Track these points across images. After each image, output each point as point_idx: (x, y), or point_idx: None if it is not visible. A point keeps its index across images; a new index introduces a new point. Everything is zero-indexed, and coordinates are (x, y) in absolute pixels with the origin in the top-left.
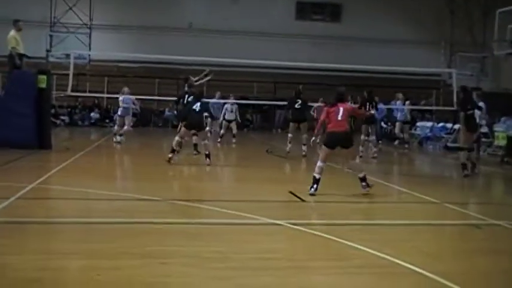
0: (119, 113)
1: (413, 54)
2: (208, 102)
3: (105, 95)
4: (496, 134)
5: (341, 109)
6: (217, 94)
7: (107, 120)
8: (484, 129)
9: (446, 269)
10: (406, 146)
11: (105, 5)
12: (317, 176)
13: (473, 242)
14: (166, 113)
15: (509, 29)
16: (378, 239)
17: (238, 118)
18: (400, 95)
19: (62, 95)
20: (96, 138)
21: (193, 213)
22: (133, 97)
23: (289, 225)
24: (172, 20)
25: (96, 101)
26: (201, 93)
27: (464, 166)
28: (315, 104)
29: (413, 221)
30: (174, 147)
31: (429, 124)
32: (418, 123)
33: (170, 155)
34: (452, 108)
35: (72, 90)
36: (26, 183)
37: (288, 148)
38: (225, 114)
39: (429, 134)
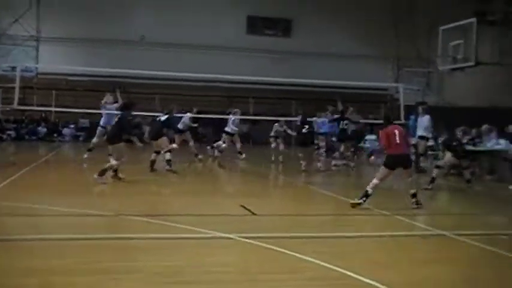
0: (101, 123)
1: (363, 68)
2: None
3: (53, 109)
4: (441, 146)
5: (396, 132)
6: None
7: (55, 135)
8: (431, 142)
9: (395, 279)
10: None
11: (53, 17)
12: (370, 191)
13: (420, 252)
14: None
15: (451, 46)
16: (329, 252)
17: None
18: (351, 109)
19: (7, 108)
20: (44, 153)
21: (145, 228)
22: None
23: (240, 238)
24: (124, 33)
25: (44, 115)
26: (125, 105)
27: (433, 180)
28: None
29: (364, 233)
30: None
31: None
32: (367, 137)
33: (115, 175)
34: (399, 122)
35: (19, 104)
36: None
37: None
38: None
39: (378, 147)
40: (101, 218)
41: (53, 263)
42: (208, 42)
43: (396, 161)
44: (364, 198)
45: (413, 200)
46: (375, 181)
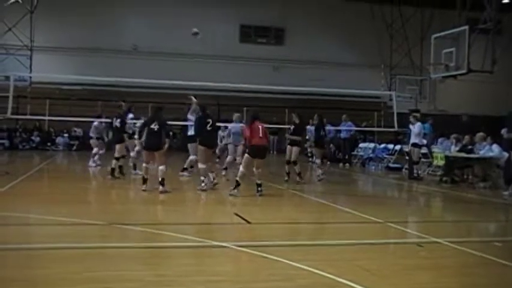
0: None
1: (356, 76)
2: None
3: (47, 118)
4: (434, 154)
5: (260, 127)
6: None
7: (49, 144)
8: (424, 150)
9: (389, 286)
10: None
11: (47, 26)
12: (239, 180)
13: (415, 260)
14: None
15: (444, 53)
16: (322, 259)
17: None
18: (343, 116)
19: (1, 117)
20: (37, 162)
21: (137, 236)
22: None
23: (234, 247)
24: (116, 43)
25: (38, 124)
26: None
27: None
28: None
29: (357, 241)
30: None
31: (371, 145)
32: (361, 145)
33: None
34: (393, 130)
35: (13, 113)
36: None
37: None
38: None
39: (371, 155)
40: (93, 227)
41: (41, 273)
42: (201, 51)
43: (257, 151)
44: (236, 188)
45: (259, 189)
46: (241, 169)
